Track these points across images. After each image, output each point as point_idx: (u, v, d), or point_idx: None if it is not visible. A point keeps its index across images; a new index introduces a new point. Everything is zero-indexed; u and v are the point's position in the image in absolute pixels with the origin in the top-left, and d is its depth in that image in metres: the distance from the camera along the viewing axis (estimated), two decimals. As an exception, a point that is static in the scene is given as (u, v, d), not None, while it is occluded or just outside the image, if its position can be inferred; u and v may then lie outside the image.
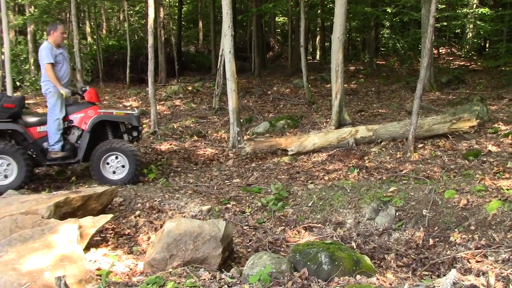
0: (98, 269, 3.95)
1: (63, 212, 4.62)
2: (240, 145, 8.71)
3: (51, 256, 3.64)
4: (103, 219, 4.46)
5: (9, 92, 9.15)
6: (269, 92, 15.15)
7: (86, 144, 6.78)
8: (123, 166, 6.75)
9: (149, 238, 4.79)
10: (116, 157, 6.73)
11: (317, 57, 26.10)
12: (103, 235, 4.75)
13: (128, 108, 8.86)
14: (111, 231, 4.86)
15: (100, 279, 3.59)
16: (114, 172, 6.78)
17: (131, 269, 4.12)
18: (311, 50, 26.88)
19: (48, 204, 4.52)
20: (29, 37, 17.37)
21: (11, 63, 9.35)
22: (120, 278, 3.84)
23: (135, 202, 5.66)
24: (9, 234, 4.15)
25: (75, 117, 6.91)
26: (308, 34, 22.12)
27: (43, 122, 6.79)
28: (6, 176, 6.51)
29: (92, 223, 4.33)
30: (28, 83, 16.17)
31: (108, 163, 6.73)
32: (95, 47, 18.31)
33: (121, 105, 13.74)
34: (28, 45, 17.30)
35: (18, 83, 15.44)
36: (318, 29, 26.42)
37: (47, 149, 6.76)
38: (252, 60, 19.66)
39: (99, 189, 5.19)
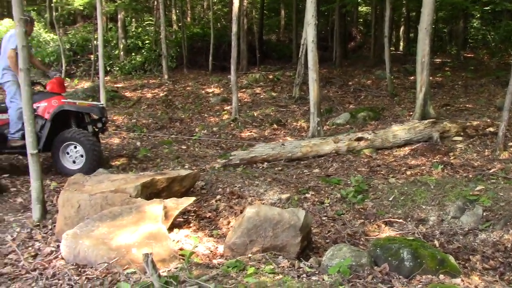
0: (181, 249, 4.08)
1: (149, 192, 4.81)
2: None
3: (138, 234, 3.81)
4: (186, 201, 4.59)
5: (101, 75, 9.58)
6: (350, 82, 14.91)
7: (47, 133, 6.72)
8: (81, 156, 6.71)
9: (229, 222, 4.88)
10: (75, 147, 6.69)
11: (401, 48, 25.30)
12: (186, 217, 4.89)
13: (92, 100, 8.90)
14: (193, 214, 5.00)
15: (183, 259, 3.71)
16: (74, 162, 6.76)
17: (211, 251, 4.23)
18: (394, 41, 26.08)
19: (135, 184, 4.72)
20: (119, 23, 18.13)
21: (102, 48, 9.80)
22: (201, 259, 3.94)
23: (216, 186, 5.78)
24: (100, 210, 4.39)
25: (39, 106, 6.84)
26: (392, 24, 21.47)
27: (3, 110, 6.80)
28: None
29: (175, 205, 4.48)
30: (117, 68, 16.91)
31: (68, 153, 6.73)
32: (180, 34, 18.81)
33: (203, 92, 14.05)
34: (118, 31, 18.07)
35: (108, 68, 16.17)
36: (402, 19, 25.59)
37: (7, 137, 6.71)
38: (333, 50, 19.40)
39: (183, 172, 5.35)
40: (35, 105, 6.58)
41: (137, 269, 3.46)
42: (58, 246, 4.11)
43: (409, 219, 5.22)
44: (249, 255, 3.82)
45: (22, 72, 4.77)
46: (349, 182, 6.27)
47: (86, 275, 3.54)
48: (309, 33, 8.86)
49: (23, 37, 4.70)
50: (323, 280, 3.23)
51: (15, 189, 6.03)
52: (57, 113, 6.71)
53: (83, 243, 3.78)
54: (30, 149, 4.84)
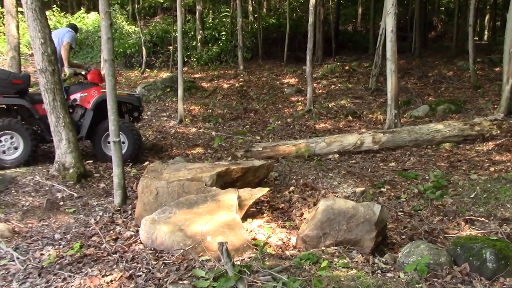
0: (254, 239, 4.12)
1: (223, 181, 4.89)
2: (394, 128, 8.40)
3: (213, 222, 3.88)
4: (260, 192, 4.62)
5: (179, 66, 9.83)
6: (429, 74, 14.35)
7: (89, 122, 7.04)
8: (123, 143, 6.90)
9: (302, 214, 4.86)
10: None
11: (485, 37, 24.01)
12: (259, 207, 4.93)
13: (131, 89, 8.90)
14: (266, 204, 5.02)
15: (256, 249, 3.74)
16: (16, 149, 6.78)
17: (284, 242, 4.23)
18: (478, 30, 24.80)
19: (211, 173, 4.80)
20: (197, 15, 18.49)
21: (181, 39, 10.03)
22: (274, 250, 3.96)
23: (289, 178, 5.77)
24: (177, 197, 4.52)
25: (79, 96, 7.15)
26: (477, 13, 20.41)
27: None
28: (16, 148, 6.75)
29: (249, 195, 4.52)
30: (194, 59, 17.29)
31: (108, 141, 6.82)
32: (255, 25, 18.91)
33: (277, 82, 14.06)
34: (196, 23, 18.43)
35: (185, 59, 16.56)
36: (488, 7, 24.25)
37: None
38: (413, 40, 18.75)
39: (257, 162, 5.38)
40: (74, 95, 7.10)
41: (212, 256, 3.53)
42: (137, 230, 4.28)
43: (492, 217, 4.96)
44: (322, 248, 3.79)
45: (107, 63, 4.98)
46: (427, 177, 6.05)
47: (163, 260, 3.66)
48: (388, 23, 8.60)
49: (108, 30, 4.90)
50: (399, 277, 3.14)
51: (98, 175, 6.33)
52: (99, 102, 7.03)
53: (161, 229, 3.90)
54: (113, 137, 5.05)
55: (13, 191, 5.62)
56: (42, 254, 4.12)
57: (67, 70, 7.17)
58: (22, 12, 6.42)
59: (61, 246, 4.27)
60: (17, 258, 4.04)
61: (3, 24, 16.29)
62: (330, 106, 11.35)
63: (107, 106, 5.08)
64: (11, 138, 6.65)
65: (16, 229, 4.72)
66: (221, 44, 17.81)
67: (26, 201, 5.40)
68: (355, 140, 7.36)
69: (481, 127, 7.55)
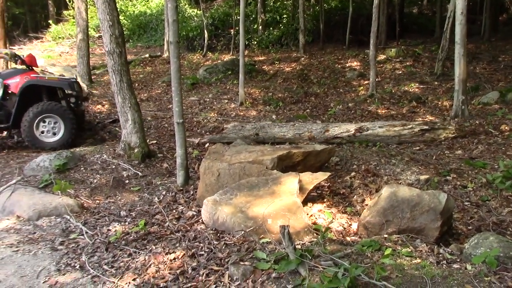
0: (314, 223, 4.09)
1: (284, 165, 4.88)
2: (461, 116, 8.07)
3: (274, 205, 3.88)
4: (321, 176, 4.58)
5: (241, 49, 9.84)
6: (500, 58, 13.67)
7: (15, 109, 6.91)
8: (54, 133, 7.01)
9: (363, 200, 4.78)
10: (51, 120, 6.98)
11: None
12: (319, 191, 4.89)
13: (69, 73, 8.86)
14: (327, 189, 4.98)
15: (316, 234, 3.72)
16: (54, 134, 7.04)
17: (345, 228, 4.18)
18: (556, 12, 23.31)
19: (272, 156, 4.80)
20: (258, -2, 18.45)
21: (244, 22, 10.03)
22: (334, 235, 3.92)
23: (351, 163, 5.69)
24: (238, 179, 4.55)
25: (11, 82, 7.03)
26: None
27: None
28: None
29: (310, 179, 4.48)
30: (255, 42, 17.28)
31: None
32: (318, 8, 18.63)
33: (339, 66, 13.85)
34: (257, 5, 18.38)
35: (246, 42, 16.57)
36: None
37: None
38: (482, 23, 17.90)
39: (319, 147, 5.33)
40: (7, 81, 7.03)
41: (273, 239, 3.54)
42: (199, 211, 4.36)
43: None
44: (385, 235, 3.72)
45: (172, 45, 5.05)
46: (496, 167, 5.78)
47: (225, 240, 3.71)
48: (458, 4, 8.23)
49: (174, 12, 4.96)
50: (466, 269, 3.03)
51: (161, 155, 6.48)
52: (26, 87, 6.96)
53: (222, 210, 3.95)
54: (177, 118, 5.14)
55: (82, 169, 5.86)
56: (109, 230, 4.29)
57: (6, 51, 7.37)
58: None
59: (126, 223, 4.43)
60: (86, 232, 4.23)
61: (73, 8, 16.90)
62: (393, 91, 11.06)
63: (172, 88, 5.17)
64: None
65: (85, 204, 4.93)
66: (282, 27, 17.70)
67: (94, 178, 5.62)
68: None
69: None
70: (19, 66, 7.32)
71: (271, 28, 17.94)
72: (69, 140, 7.03)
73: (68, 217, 4.58)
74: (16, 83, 6.97)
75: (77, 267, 3.64)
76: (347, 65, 14.07)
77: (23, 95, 6.90)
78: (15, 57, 7.27)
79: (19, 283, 3.43)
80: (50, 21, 23.65)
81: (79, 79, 8.38)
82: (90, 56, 13.33)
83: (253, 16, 18.79)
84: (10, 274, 3.57)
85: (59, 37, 21.62)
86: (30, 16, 28.43)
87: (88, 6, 12.69)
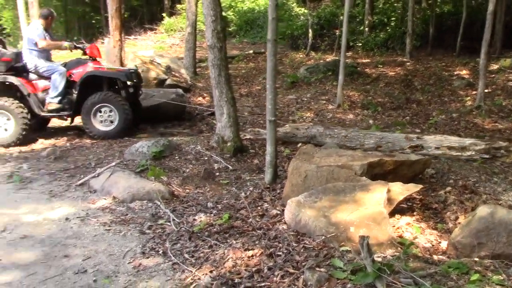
0: (400, 237, 3.93)
1: (374, 172, 4.72)
2: None
3: (358, 213, 3.77)
4: (413, 188, 4.38)
5: (342, 50, 9.68)
6: None
7: (77, 97, 7.32)
8: (111, 121, 7.36)
9: (456, 218, 4.51)
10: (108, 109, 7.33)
11: None
12: (410, 204, 4.68)
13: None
14: (418, 202, 4.75)
15: (400, 248, 3.56)
16: (111, 122, 7.34)
17: (433, 245, 3.97)
18: None
19: (362, 162, 4.67)
20: (367, -1, 18.05)
21: (348, 23, 9.85)
22: (420, 252, 3.73)
23: (447, 177, 5.38)
24: (325, 182, 4.48)
25: (75, 72, 7.36)
26: None
27: (46, 77, 7.37)
28: (6, 130, 7.14)
29: (401, 190, 4.30)
30: (360, 44, 16.93)
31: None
32: (428, 12, 17.85)
33: (446, 74, 13.17)
34: (365, 7, 18.00)
35: (350, 43, 16.29)
36: None
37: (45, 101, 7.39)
38: None
39: (413, 157, 5.11)
40: (71, 71, 7.42)
41: (352, 248, 3.44)
42: (283, 210, 4.35)
43: None
44: (475, 258, 3.47)
45: (269, 43, 5.08)
46: None
47: (304, 244, 3.67)
48: None
49: (274, 10, 4.99)
50: None
51: (253, 151, 6.56)
52: (87, 77, 7.32)
53: (305, 212, 3.91)
54: (269, 116, 5.16)
55: (176, 157, 6.09)
56: (194, 220, 4.42)
57: (66, 44, 7.57)
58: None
59: (212, 215, 4.53)
60: (173, 220, 4.39)
61: (185, 2, 17.60)
62: (503, 103, 10.31)
63: (267, 85, 5.20)
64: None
65: (175, 192, 5.11)
66: (389, 30, 17.16)
67: (186, 168, 5.81)
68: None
69: None
70: (84, 57, 7.72)
71: (377, 31, 17.47)
72: (124, 129, 7.38)
73: (159, 203, 4.78)
74: (79, 73, 7.43)
75: (160, 252, 3.78)
76: (455, 73, 13.34)
77: (83, 85, 7.36)
78: (75, 49, 7.72)
79: (107, 261, 3.64)
80: (164, 14, 24.81)
81: (139, 70, 8.82)
82: (197, 49, 13.81)
83: (360, 17, 18.41)
84: (100, 251, 3.80)
85: (171, 30, 22.61)
86: (147, 8, 30.04)
87: (199, 1, 13.14)
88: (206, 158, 6.13)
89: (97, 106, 7.26)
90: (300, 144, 6.80)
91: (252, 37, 20.99)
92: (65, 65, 7.55)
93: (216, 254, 3.66)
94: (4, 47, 7.56)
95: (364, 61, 15.23)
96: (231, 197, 5.05)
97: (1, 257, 3.66)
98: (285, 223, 4.15)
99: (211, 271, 3.38)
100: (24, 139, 7.18)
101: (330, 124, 8.53)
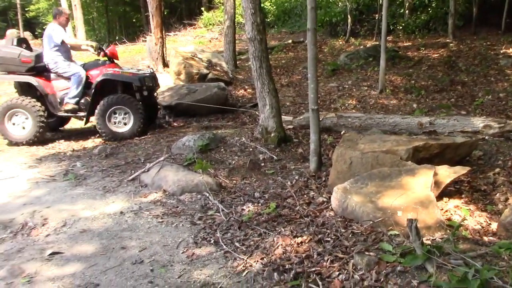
0: (448, 220, 3.91)
1: (420, 156, 4.71)
2: None
3: (405, 197, 3.79)
4: (460, 171, 4.34)
5: (383, 35, 9.54)
6: None
7: (91, 99, 7.54)
8: (125, 124, 7.54)
9: (506, 199, 4.44)
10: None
11: None
12: (457, 186, 4.64)
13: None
14: (466, 184, 4.71)
15: (449, 230, 3.56)
16: (125, 124, 7.53)
17: (482, 227, 3.94)
18: None
19: (407, 146, 4.67)
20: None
21: (388, 7, 9.72)
22: (470, 234, 3.72)
23: (495, 158, 5.30)
24: (370, 168, 4.51)
25: (92, 74, 7.65)
26: None
27: (65, 77, 7.59)
28: (23, 128, 7.42)
29: (447, 173, 4.28)
30: (400, 27, 16.63)
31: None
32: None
33: (492, 53, 12.80)
34: (404, -11, 17.65)
35: (391, 27, 16.03)
36: None
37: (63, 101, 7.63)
38: None
39: (459, 139, 5.05)
40: (88, 73, 7.63)
41: (401, 232, 3.48)
42: (329, 197, 4.41)
43: None
44: (527, 238, 3.44)
45: (309, 32, 5.12)
46: None
47: (352, 229, 3.72)
48: None
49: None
50: None
51: (297, 140, 6.62)
52: (102, 81, 7.52)
53: (352, 198, 3.95)
54: (312, 105, 5.21)
55: (222, 150, 6.22)
56: (242, 209, 4.53)
57: (92, 43, 7.79)
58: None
59: (259, 204, 4.63)
60: (222, 210, 4.51)
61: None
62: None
63: (308, 74, 5.25)
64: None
65: (223, 184, 5.24)
66: (430, 11, 16.77)
67: (232, 160, 5.94)
68: None
69: None
70: (102, 58, 7.87)
71: (418, 12, 17.09)
72: (138, 130, 7.53)
73: (207, 194, 4.91)
74: (96, 75, 7.62)
75: (212, 241, 3.91)
76: (501, 51, 12.93)
77: (99, 87, 7.55)
78: (99, 50, 7.83)
79: (161, 251, 3.80)
80: (203, 9, 25.07)
81: (156, 73, 8.87)
82: (236, 42, 13.92)
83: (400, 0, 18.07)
84: (154, 242, 3.96)
85: (210, 24, 22.85)
86: (185, 4, 30.42)
87: (236, -6, 13.25)
88: (250, 149, 6.24)
89: (112, 108, 7.46)
90: (343, 132, 6.81)
91: (290, 26, 20.96)
92: (83, 65, 7.80)
93: (266, 241, 3.75)
94: (28, 46, 7.87)
95: (405, 44, 14.98)
96: (277, 186, 5.14)
97: (64, 250, 3.88)
98: (332, 210, 4.21)
99: (262, 258, 3.48)
100: (41, 137, 7.53)
101: (372, 110, 8.49)
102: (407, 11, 17.06)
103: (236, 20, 14.68)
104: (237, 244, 3.81)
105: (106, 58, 7.82)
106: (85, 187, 5.46)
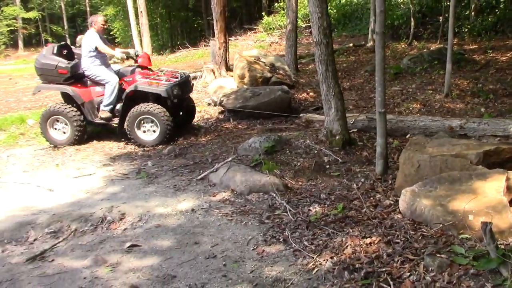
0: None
1: (491, 161, 4.62)
2: None
3: (476, 202, 3.75)
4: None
5: (450, 37, 9.35)
6: None
7: (122, 107, 7.70)
8: (154, 131, 7.63)
9: None
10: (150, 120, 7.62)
11: None
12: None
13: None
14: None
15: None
16: (154, 132, 7.62)
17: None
18: None
19: (478, 150, 4.60)
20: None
21: (454, 8, 9.51)
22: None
23: None
24: (439, 172, 4.48)
25: (126, 81, 7.76)
26: None
27: (101, 84, 7.82)
28: (64, 132, 7.87)
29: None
30: (466, 29, 16.20)
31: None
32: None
33: None
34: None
35: (455, 29, 15.64)
36: None
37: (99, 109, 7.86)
38: None
39: (533, 144, 4.93)
40: (123, 80, 7.75)
41: (473, 236, 3.46)
42: (397, 200, 4.42)
43: None
44: None
45: (377, 35, 5.15)
46: None
47: (421, 232, 3.74)
48: None
49: (382, 3, 5.05)
50: None
51: (361, 143, 6.63)
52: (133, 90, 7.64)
53: (421, 201, 3.96)
54: (379, 108, 5.23)
55: (287, 152, 6.33)
56: (309, 210, 4.62)
57: (119, 54, 7.80)
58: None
59: (325, 205, 4.71)
60: (289, 210, 4.62)
61: (284, 1, 17.87)
62: None
63: (376, 77, 5.28)
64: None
65: (289, 185, 5.35)
66: (498, 13, 16.23)
67: (297, 162, 6.04)
68: None
69: None
70: (135, 65, 8.04)
71: (485, 14, 16.59)
72: (164, 139, 7.61)
73: (274, 194, 5.03)
74: (129, 82, 7.79)
75: (281, 240, 4.03)
76: None
77: (129, 96, 7.70)
78: (132, 57, 8.13)
79: (232, 248, 3.95)
80: (263, 13, 25.34)
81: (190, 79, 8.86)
82: (297, 46, 14.00)
83: (465, 1, 17.58)
84: (225, 239, 4.13)
85: (270, 28, 23.08)
86: (246, 9, 30.85)
87: (299, -2, 13.34)
88: (315, 151, 6.31)
89: (140, 117, 7.60)
90: (408, 135, 6.77)
91: (350, 30, 20.85)
92: (117, 72, 8.01)
93: (335, 241, 3.83)
94: (70, 52, 8.22)
95: (471, 47, 14.57)
96: (343, 188, 5.19)
97: (141, 243, 4.11)
98: (399, 212, 4.23)
99: (331, 257, 3.56)
100: (79, 140, 7.94)
101: (438, 114, 8.36)
102: (473, 13, 16.58)
103: (297, 24, 14.78)
104: (306, 243, 3.91)
105: (137, 65, 8.01)
106: (157, 185, 5.71)
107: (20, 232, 4.49)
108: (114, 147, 7.82)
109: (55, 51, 7.87)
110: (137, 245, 4.09)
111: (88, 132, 8.27)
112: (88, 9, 29.27)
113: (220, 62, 12.90)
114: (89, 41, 7.65)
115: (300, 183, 5.47)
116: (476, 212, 3.66)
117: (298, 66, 13.80)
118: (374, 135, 6.02)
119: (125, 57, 8.07)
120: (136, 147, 7.63)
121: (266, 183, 5.22)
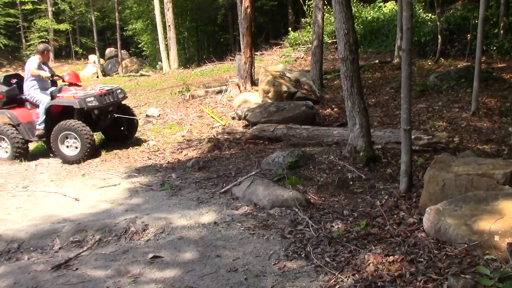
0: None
1: (519, 180, 4.55)
2: None
3: (502, 222, 3.69)
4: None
5: (477, 55, 9.26)
6: None
7: (45, 124, 7.96)
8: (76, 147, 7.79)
9: None
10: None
11: None
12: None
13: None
14: None
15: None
16: (77, 148, 7.78)
17: None
18: None
19: (505, 170, 4.53)
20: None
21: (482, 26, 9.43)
22: None
23: None
24: (464, 191, 4.42)
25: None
26: None
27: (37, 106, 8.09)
28: (6, 152, 8.22)
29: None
30: (494, 47, 16.00)
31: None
32: None
33: None
34: (499, 8, 16.98)
35: (484, 47, 15.46)
36: None
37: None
38: None
39: (562, 165, 4.83)
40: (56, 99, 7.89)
41: (498, 257, 3.40)
42: (420, 219, 4.38)
43: None
44: None
45: (404, 52, 5.14)
46: None
47: (446, 251, 3.69)
48: None
49: (409, 20, 5.05)
50: None
51: (385, 160, 6.58)
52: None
53: (445, 220, 3.91)
54: (404, 125, 5.21)
55: (310, 167, 6.33)
56: (332, 226, 4.61)
57: (43, 74, 7.97)
58: (327, 5, 7.02)
59: (348, 222, 4.69)
60: (311, 225, 4.61)
61: (310, 16, 17.98)
62: None
63: (401, 94, 5.26)
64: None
65: (311, 200, 5.35)
66: (528, 31, 16.04)
67: (320, 177, 6.03)
68: None
69: None
70: (64, 83, 8.25)
71: (515, 32, 16.39)
72: (85, 155, 7.72)
73: (297, 209, 5.03)
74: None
75: (303, 255, 4.02)
76: None
77: (49, 113, 7.95)
78: (57, 77, 8.47)
79: (254, 262, 3.96)
80: (289, 28, 25.46)
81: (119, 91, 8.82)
82: (323, 61, 14.02)
83: (494, 19, 17.37)
84: (247, 253, 4.14)
85: (296, 43, 23.15)
86: (272, 24, 31.04)
87: (324, 14, 13.38)
88: (339, 167, 6.29)
89: (63, 133, 7.75)
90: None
91: (376, 46, 20.78)
92: (50, 93, 8.18)
93: (357, 258, 3.80)
94: (20, 83, 8.49)
95: (499, 65, 14.39)
96: (366, 205, 5.16)
97: (164, 255, 4.15)
98: (423, 231, 4.18)
99: (353, 274, 3.54)
100: (20, 157, 8.22)
101: (464, 132, 8.26)
102: (501, 31, 16.39)
103: (323, 39, 14.81)
104: (327, 259, 3.89)
105: (67, 83, 8.21)
106: (180, 197, 5.77)
107: (46, 240, 4.58)
108: (139, 158, 7.93)
109: (1, 81, 8.38)
110: (159, 256, 4.13)
111: (112, 144, 8.43)
112: (117, 22, 29.82)
113: (246, 77, 12.98)
114: (28, 67, 8.14)
115: (323, 198, 5.45)
116: (502, 232, 3.60)
117: (323, 82, 13.80)
118: (399, 151, 5.97)
119: (49, 75, 8.26)
120: (160, 159, 7.72)
121: (289, 198, 5.23)
